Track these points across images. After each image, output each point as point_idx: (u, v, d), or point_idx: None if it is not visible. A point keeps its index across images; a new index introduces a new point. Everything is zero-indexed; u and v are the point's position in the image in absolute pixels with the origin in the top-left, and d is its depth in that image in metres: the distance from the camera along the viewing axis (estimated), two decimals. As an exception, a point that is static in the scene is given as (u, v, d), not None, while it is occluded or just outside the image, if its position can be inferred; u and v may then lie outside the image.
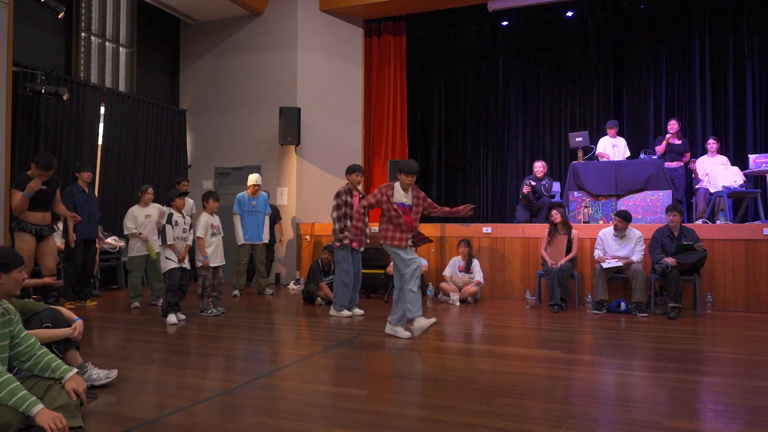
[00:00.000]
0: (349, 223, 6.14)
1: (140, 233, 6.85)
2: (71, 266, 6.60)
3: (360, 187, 6.48)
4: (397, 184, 5.08)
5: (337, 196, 6.25)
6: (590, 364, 4.25)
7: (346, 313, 6.20)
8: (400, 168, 5.05)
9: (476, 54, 11.51)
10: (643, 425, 2.86)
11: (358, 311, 6.35)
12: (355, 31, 10.38)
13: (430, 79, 11.84)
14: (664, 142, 8.46)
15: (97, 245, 7.13)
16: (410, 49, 10.95)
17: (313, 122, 9.71)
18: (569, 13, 10.45)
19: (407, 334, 5.02)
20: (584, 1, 9.96)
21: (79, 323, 3.28)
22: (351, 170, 6.35)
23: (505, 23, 10.95)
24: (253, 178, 8.00)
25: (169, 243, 5.85)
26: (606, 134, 8.92)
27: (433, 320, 4.94)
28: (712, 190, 7.77)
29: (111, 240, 8.06)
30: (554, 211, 7.06)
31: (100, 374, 3.47)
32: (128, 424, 2.87)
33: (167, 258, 5.88)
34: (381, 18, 10.51)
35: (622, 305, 6.57)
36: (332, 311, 6.27)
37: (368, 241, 6.57)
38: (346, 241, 6.09)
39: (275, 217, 8.68)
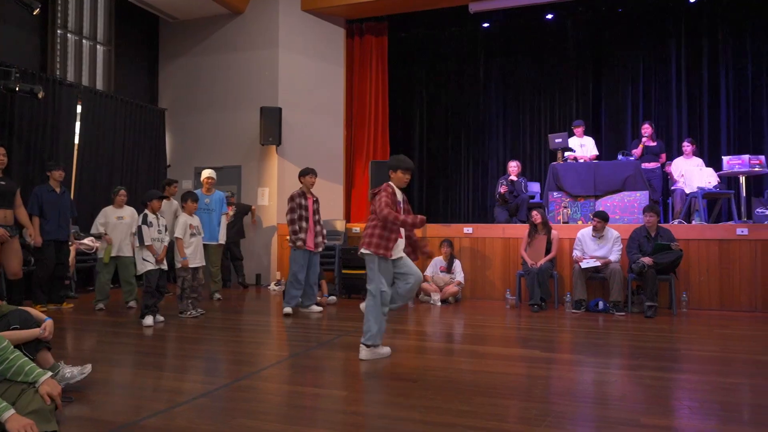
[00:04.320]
0: (304, 224, 6.38)
1: (105, 234, 6.72)
2: (42, 268, 6.45)
3: (313, 190, 6.66)
4: (394, 187, 4.41)
5: (291, 199, 6.45)
6: (569, 362, 4.30)
7: (287, 309, 6.38)
8: (398, 166, 4.39)
9: (458, 55, 11.57)
10: (619, 423, 2.90)
11: (315, 308, 6.57)
12: (336, 31, 10.36)
13: (412, 80, 11.86)
14: (640, 146, 8.59)
15: (70, 246, 6.99)
16: (392, 50, 10.95)
17: (294, 122, 9.67)
18: (549, 16, 10.56)
19: (386, 350, 4.41)
20: (564, 4, 10.06)
21: (49, 323, 3.22)
22: (304, 173, 6.56)
23: (486, 25, 11.02)
24: (205, 173, 7.77)
25: (147, 244, 5.78)
26: (574, 135, 9.06)
27: (388, 351, 4.42)
28: (687, 191, 7.91)
29: (87, 241, 7.91)
30: (535, 212, 7.13)
31: (73, 371, 3.40)
32: (105, 428, 2.83)
33: (144, 260, 5.80)
34: (363, 18, 10.50)
35: (600, 304, 6.66)
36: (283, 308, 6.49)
37: (325, 242, 6.71)
38: (299, 243, 6.32)
39: (246, 210, 9.00)
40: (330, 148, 10.13)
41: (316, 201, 6.65)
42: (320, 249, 6.60)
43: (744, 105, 9.75)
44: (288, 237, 9.18)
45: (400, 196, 4.47)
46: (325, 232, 6.75)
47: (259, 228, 9.56)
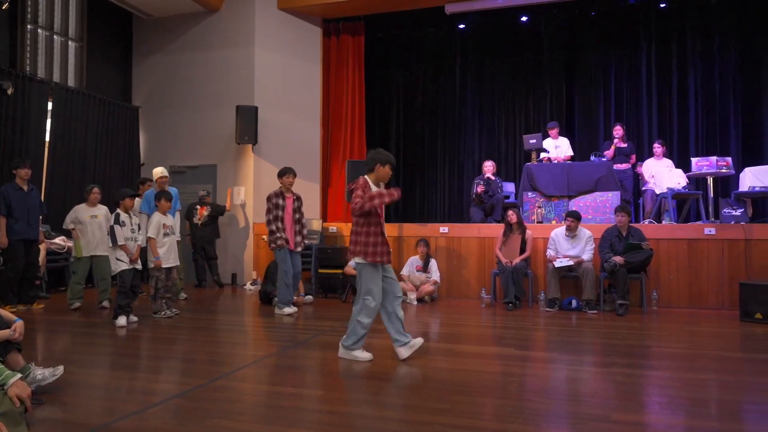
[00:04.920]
0: (281, 224, 6.32)
1: (73, 228, 6.65)
2: (12, 268, 6.31)
3: (293, 189, 6.61)
4: (369, 181, 4.26)
5: (268, 199, 6.39)
6: (543, 360, 4.38)
7: (287, 310, 6.34)
8: (388, 161, 4.25)
9: (434, 56, 11.63)
10: (591, 419, 2.97)
11: (292, 308, 6.50)
12: (313, 30, 10.34)
13: (389, 80, 11.89)
14: (613, 147, 8.76)
15: (40, 245, 6.86)
16: (369, 50, 10.97)
17: (270, 121, 9.62)
18: (524, 18, 10.69)
19: (368, 355, 4.26)
20: (538, 6, 10.20)
21: (19, 324, 3.17)
22: (282, 173, 6.51)
23: (462, 26, 11.10)
24: (158, 171, 7.56)
25: (120, 244, 5.69)
26: (548, 136, 9.19)
27: (370, 356, 4.26)
28: (657, 192, 8.09)
29: (59, 240, 7.77)
30: (510, 212, 7.21)
31: (45, 373, 3.34)
32: (77, 431, 2.80)
33: (118, 259, 5.72)
34: (339, 18, 10.49)
35: (573, 302, 6.76)
36: (276, 309, 6.42)
37: (306, 242, 6.66)
38: (280, 242, 6.27)
39: (218, 212, 8.82)
40: (306, 147, 10.10)
41: (297, 200, 6.59)
42: (299, 249, 6.55)
43: (712, 108, 10.01)
44: (264, 237, 9.23)
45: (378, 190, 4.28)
46: (305, 232, 6.68)
47: (234, 227, 9.48)
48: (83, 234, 6.63)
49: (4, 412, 2.54)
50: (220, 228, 9.03)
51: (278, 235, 6.29)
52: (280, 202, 6.39)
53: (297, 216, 6.55)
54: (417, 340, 4.27)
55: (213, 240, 8.84)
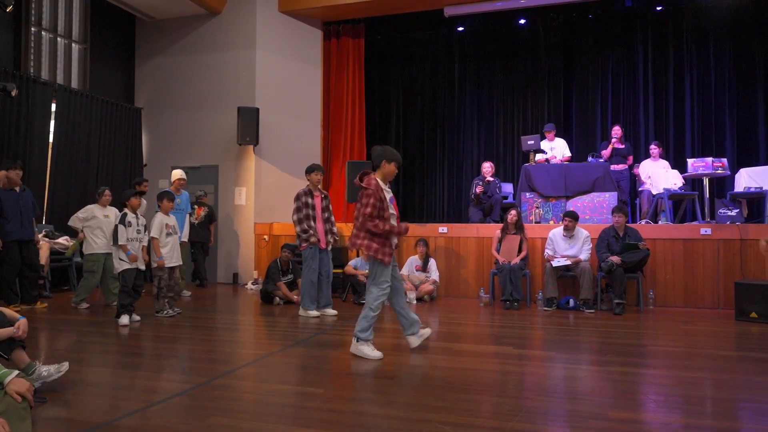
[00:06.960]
0: (312, 223, 6.12)
1: (81, 229, 6.75)
2: (8, 269, 6.33)
3: (320, 186, 6.46)
4: (380, 181, 4.36)
5: (297, 198, 6.20)
6: (540, 359, 4.42)
7: (313, 312, 6.14)
8: (394, 158, 4.36)
9: (433, 58, 11.69)
10: (589, 417, 3.01)
11: (330, 311, 6.25)
12: (314, 32, 10.39)
13: (388, 82, 11.94)
14: (610, 147, 8.81)
15: (38, 245, 6.89)
16: (369, 52, 11.03)
17: (271, 122, 9.67)
18: (522, 21, 10.74)
19: (377, 354, 4.29)
20: (536, 9, 10.25)
21: (23, 322, 3.20)
22: (310, 170, 6.31)
23: (460, 29, 11.17)
24: (177, 173, 7.78)
25: (120, 243, 5.74)
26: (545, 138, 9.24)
27: (380, 355, 4.29)
28: (654, 192, 8.14)
29: (62, 240, 7.83)
30: (512, 212, 7.25)
31: (50, 369, 3.38)
32: (80, 428, 2.83)
33: (121, 259, 5.77)
34: (340, 20, 10.56)
35: (571, 302, 6.81)
36: (300, 311, 6.24)
37: (336, 238, 6.48)
38: (313, 239, 6.07)
39: (212, 217, 8.77)
40: (307, 149, 10.16)
41: (325, 197, 6.38)
42: (329, 247, 6.34)
43: (707, 109, 10.06)
44: (265, 237, 9.27)
45: (388, 192, 4.39)
46: (335, 230, 6.44)
47: (235, 227, 9.53)
48: (97, 234, 6.69)
49: (5, 409, 2.56)
50: (215, 231, 9.04)
51: (311, 232, 6.06)
52: (309, 200, 6.18)
53: (326, 215, 6.33)
54: (426, 330, 4.64)
55: (207, 240, 8.82)
